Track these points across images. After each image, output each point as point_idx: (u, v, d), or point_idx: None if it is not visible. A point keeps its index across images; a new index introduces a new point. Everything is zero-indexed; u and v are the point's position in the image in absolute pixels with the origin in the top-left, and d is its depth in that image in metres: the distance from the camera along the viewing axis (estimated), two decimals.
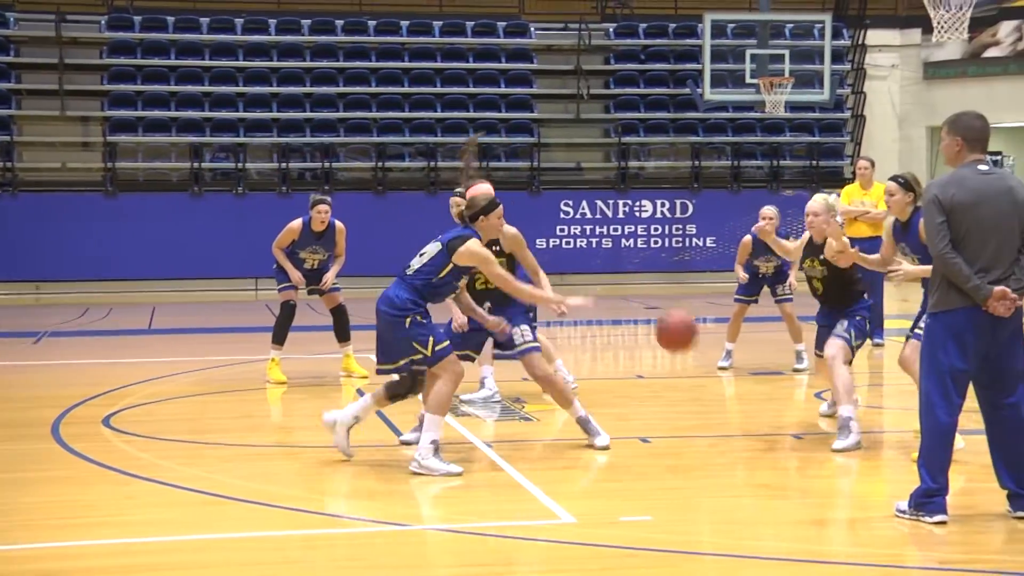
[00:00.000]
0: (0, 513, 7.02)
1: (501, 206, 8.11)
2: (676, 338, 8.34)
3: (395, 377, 8.10)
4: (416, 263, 7.98)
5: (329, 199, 11.77)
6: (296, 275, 11.49)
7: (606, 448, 8.43)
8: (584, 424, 8.57)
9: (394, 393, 8.16)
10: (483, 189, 8.55)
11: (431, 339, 7.80)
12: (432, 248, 7.98)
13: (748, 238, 12.02)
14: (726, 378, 11.93)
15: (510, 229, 8.77)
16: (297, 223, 11.59)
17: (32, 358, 13.96)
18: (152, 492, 7.47)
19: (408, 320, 7.79)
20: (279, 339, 11.56)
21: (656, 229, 24.07)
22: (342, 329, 11.76)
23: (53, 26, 23.99)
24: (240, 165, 23.27)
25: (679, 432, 9.45)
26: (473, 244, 7.89)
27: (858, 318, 8.87)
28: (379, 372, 8.06)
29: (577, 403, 8.61)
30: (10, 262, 21.84)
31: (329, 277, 11.63)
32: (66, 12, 24.28)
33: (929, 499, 6.58)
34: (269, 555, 6.28)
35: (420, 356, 7.79)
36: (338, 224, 11.66)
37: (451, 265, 7.87)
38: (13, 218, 21.93)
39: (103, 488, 7.59)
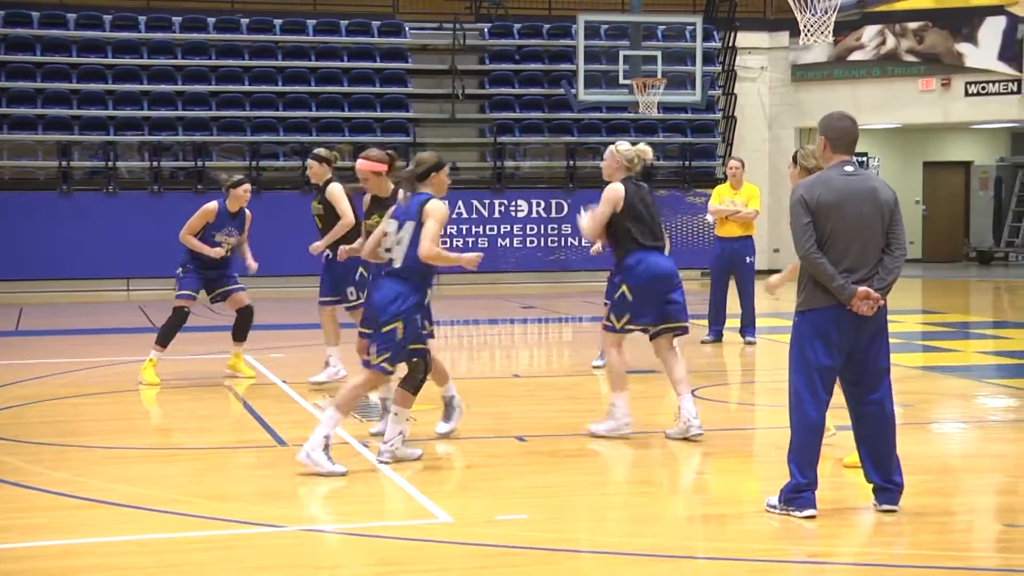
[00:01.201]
0: None
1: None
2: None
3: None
4: (398, 253, 7.96)
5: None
6: (216, 251, 11.31)
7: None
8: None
9: (415, 386, 8.12)
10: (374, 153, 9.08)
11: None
12: (405, 229, 7.97)
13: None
14: (601, 377, 12.05)
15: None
16: (213, 204, 11.44)
17: None
18: (18, 497, 7.32)
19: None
20: (163, 341, 11.40)
21: (532, 228, 24.22)
22: (243, 329, 11.63)
23: None
24: (110, 164, 22.86)
25: (555, 430, 9.51)
26: (437, 201, 8.02)
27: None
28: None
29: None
30: None
31: (251, 260, 11.64)
32: None
33: (798, 494, 6.74)
34: (141, 559, 6.19)
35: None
36: (247, 210, 11.63)
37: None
38: None
39: None
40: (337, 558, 6.28)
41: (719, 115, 26.26)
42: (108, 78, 23.99)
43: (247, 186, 11.62)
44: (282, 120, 24.20)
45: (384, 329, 7.92)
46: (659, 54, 22.31)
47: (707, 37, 24.73)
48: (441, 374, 8.79)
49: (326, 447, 7.75)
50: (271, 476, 7.91)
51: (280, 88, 24.63)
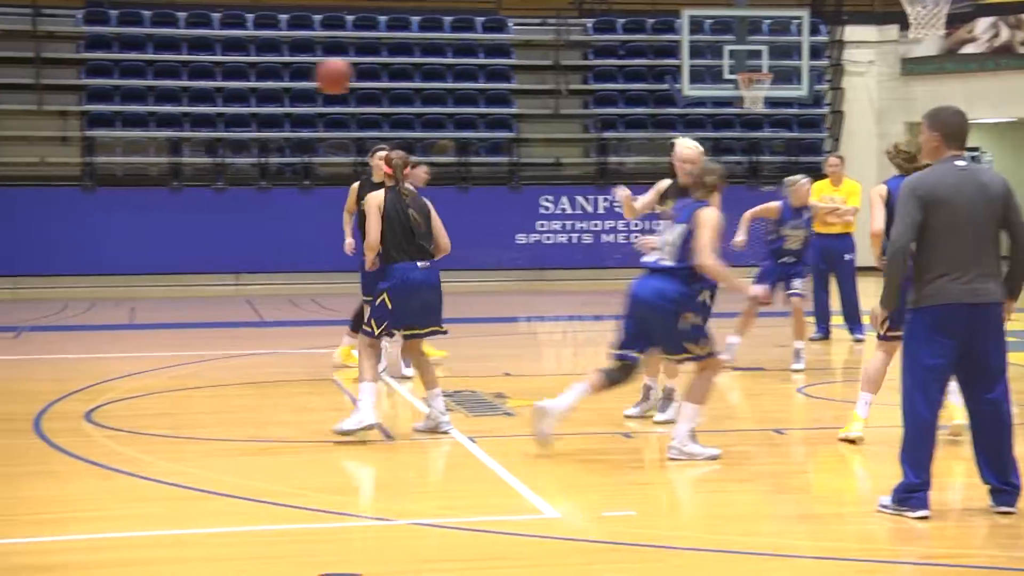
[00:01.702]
0: None
1: None
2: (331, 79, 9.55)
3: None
4: (669, 252, 8.20)
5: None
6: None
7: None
8: None
9: (613, 380, 8.29)
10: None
11: (703, 339, 8.09)
12: (676, 231, 8.19)
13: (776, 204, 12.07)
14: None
15: None
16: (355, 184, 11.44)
17: (12, 353, 13.90)
18: (133, 487, 7.45)
19: (684, 316, 8.04)
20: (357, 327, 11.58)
21: (637, 225, 24.09)
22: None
23: (29, 20, 23.87)
24: (219, 160, 23.21)
25: (663, 427, 9.45)
26: (712, 210, 8.14)
27: None
28: (622, 357, 8.25)
29: None
30: None
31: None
32: (42, 6, 24.16)
33: (911, 494, 6.62)
34: (249, 550, 6.27)
35: (693, 355, 8.07)
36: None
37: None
38: None
39: (85, 483, 7.57)
40: (442, 552, 6.30)
41: (826, 110, 25.92)
42: (217, 75, 24.36)
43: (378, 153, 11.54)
44: (387, 116, 24.37)
45: (684, 324, 8.02)
46: (765, 48, 22.09)
47: (814, 31, 24.41)
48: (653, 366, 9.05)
49: (694, 437, 7.98)
50: (378, 470, 7.98)
51: (385, 84, 24.81)
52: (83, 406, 9.94)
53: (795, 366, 11.81)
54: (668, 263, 8.18)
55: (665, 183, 9.88)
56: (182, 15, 24.96)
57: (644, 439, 8.94)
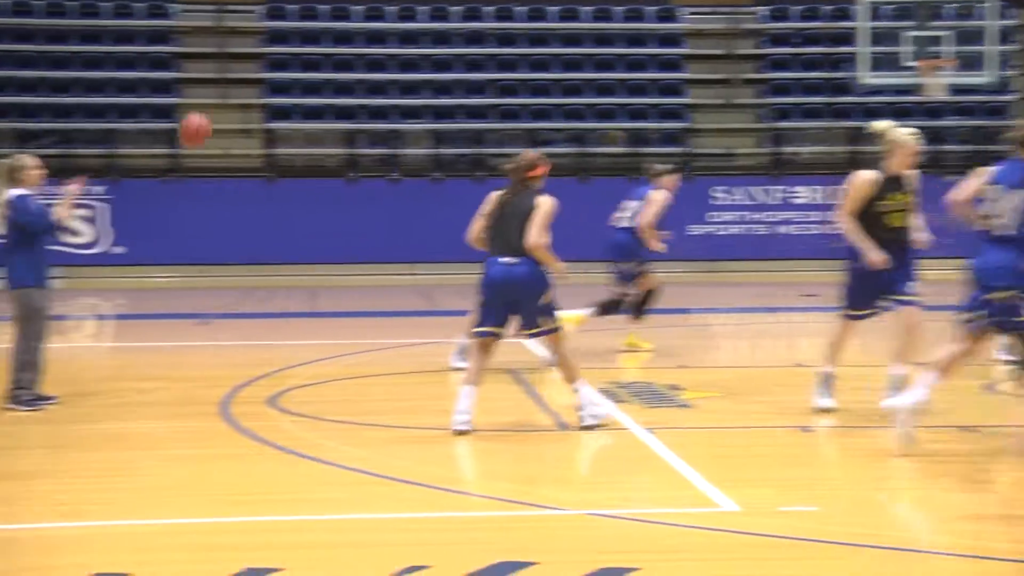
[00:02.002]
0: (175, 487, 7.25)
1: None
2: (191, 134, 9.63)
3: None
4: (1011, 219, 7.80)
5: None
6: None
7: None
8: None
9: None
10: None
11: None
12: (1016, 195, 7.84)
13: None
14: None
15: None
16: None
17: (200, 339, 14.35)
18: (317, 471, 7.62)
19: None
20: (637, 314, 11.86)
21: (811, 215, 23.71)
22: (644, 307, 11.84)
23: (213, 17, 24.59)
24: (394, 151, 23.56)
25: (842, 422, 9.30)
26: None
27: None
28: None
29: None
30: (178, 246, 22.48)
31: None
32: (226, 3, 24.86)
33: None
34: (427, 536, 6.36)
35: None
36: None
37: None
38: (180, 203, 22.54)
39: (270, 466, 7.78)
40: (619, 543, 6.29)
41: (1013, 96, 25.11)
42: (392, 68, 24.75)
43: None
44: (559, 107, 24.44)
45: (997, 296, 7.68)
46: (948, 34, 21.48)
47: (1001, 14, 23.65)
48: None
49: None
50: (553, 460, 8.01)
51: (557, 75, 24.88)
52: (268, 392, 10.21)
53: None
54: (1011, 232, 7.74)
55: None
56: (358, 9, 25.41)
57: (824, 433, 8.80)
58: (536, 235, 8.40)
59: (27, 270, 9.40)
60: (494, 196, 8.65)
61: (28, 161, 9.59)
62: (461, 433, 8.46)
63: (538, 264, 8.47)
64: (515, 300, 8.51)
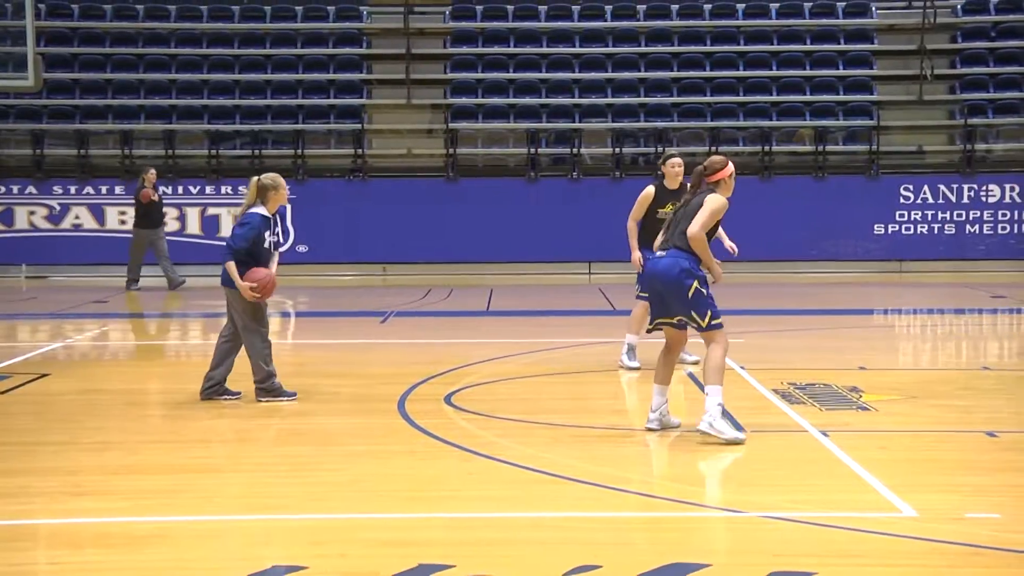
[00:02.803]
0: (353, 483, 7.40)
1: None
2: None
3: None
4: None
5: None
6: None
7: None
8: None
9: None
10: None
11: None
12: None
13: None
14: None
15: None
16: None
17: (379, 336, 14.61)
18: (491, 469, 7.69)
19: None
20: None
21: (1004, 215, 22.95)
22: None
23: (402, 18, 25.02)
24: (575, 150, 23.62)
25: None
26: None
27: None
28: None
29: None
30: (359, 245, 22.95)
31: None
32: (414, 4, 25.29)
33: None
34: (600, 535, 6.36)
35: None
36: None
37: None
38: (363, 203, 23.01)
39: (446, 463, 7.88)
40: (795, 547, 6.19)
41: None
42: (575, 67, 24.82)
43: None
44: (742, 105, 24.17)
45: None
46: None
47: None
48: None
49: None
50: (728, 461, 7.93)
51: (741, 73, 24.62)
52: (444, 389, 10.34)
53: None
54: None
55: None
56: (543, 8, 25.57)
57: (1010, 439, 8.51)
58: (698, 227, 8.30)
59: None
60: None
61: (282, 181, 9.96)
62: (650, 431, 8.54)
63: (683, 258, 8.33)
64: (660, 292, 8.43)
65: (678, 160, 11.39)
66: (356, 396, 10.33)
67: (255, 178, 9.90)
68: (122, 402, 10.17)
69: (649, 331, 8.79)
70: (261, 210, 9.82)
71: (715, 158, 8.70)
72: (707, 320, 8.30)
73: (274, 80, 24.81)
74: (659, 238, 8.64)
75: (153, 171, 20.09)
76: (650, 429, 8.56)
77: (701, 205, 8.39)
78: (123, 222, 22.48)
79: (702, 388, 8.53)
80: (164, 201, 20.69)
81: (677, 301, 8.33)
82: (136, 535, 6.33)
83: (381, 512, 6.77)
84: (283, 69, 24.98)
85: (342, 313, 17.27)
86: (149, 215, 19.78)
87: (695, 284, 8.27)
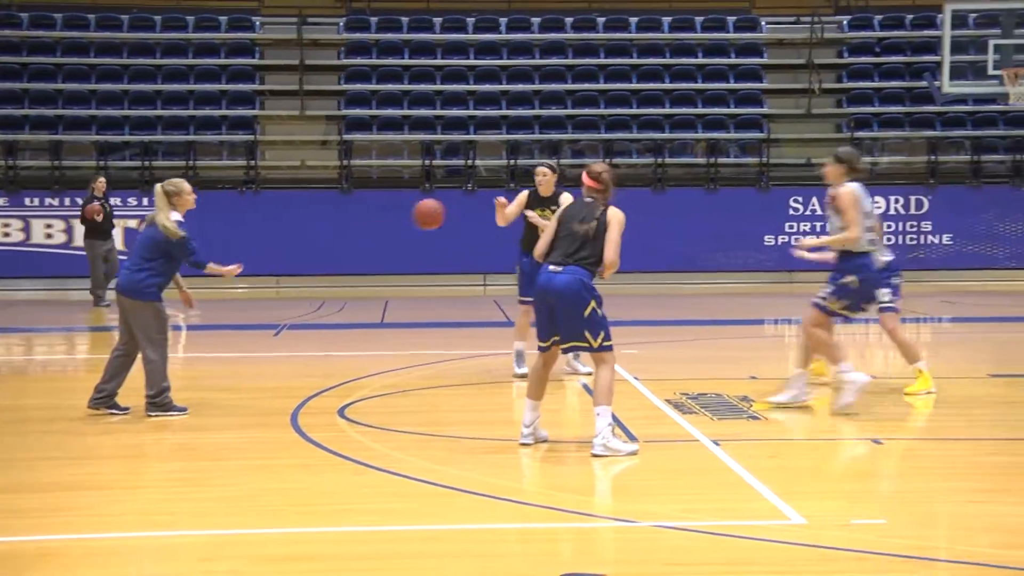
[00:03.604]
0: (246, 498, 7.32)
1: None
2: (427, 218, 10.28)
3: None
4: None
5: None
6: None
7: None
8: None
9: None
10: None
11: None
12: None
13: None
14: (963, 379, 11.53)
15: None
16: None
17: (272, 350, 14.48)
18: (384, 482, 7.66)
19: None
20: None
21: (890, 226, 23.43)
22: None
23: (295, 29, 24.86)
24: (470, 162, 23.65)
25: (914, 434, 9.19)
26: None
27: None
28: None
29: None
30: (252, 257, 22.67)
31: None
32: (307, 15, 25.14)
33: None
34: (496, 547, 6.37)
35: None
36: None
37: None
38: (256, 215, 22.80)
39: (338, 477, 7.82)
40: (685, 555, 6.26)
41: None
42: (470, 79, 24.85)
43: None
44: (636, 117, 24.39)
45: None
46: None
47: None
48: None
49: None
50: (621, 471, 7.98)
51: (634, 85, 24.84)
52: (337, 402, 10.28)
53: None
54: None
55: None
56: (438, 20, 25.58)
57: (895, 446, 8.68)
58: (615, 254, 8.30)
59: (159, 287, 9.81)
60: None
61: (186, 186, 9.93)
62: (524, 446, 8.51)
63: (582, 275, 8.30)
64: (552, 307, 8.36)
65: (542, 168, 11.48)
66: (249, 410, 10.22)
67: (158, 186, 9.86)
68: (5, 419, 9.95)
69: (542, 348, 8.65)
70: (178, 216, 9.81)
71: (604, 166, 8.70)
72: (599, 341, 8.31)
73: (164, 90, 24.49)
74: (547, 249, 8.55)
75: (102, 179, 19.37)
76: (524, 444, 8.54)
77: (604, 224, 8.35)
78: (7, 234, 22.05)
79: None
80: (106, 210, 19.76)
81: (571, 318, 8.30)
82: (21, 554, 6.20)
83: (274, 527, 6.70)
84: (174, 79, 24.67)
85: (235, 326, 17.09)
86: (99, 226, 19.02)
87: (592, 303, 8.30)
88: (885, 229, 23.23)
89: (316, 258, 22.75)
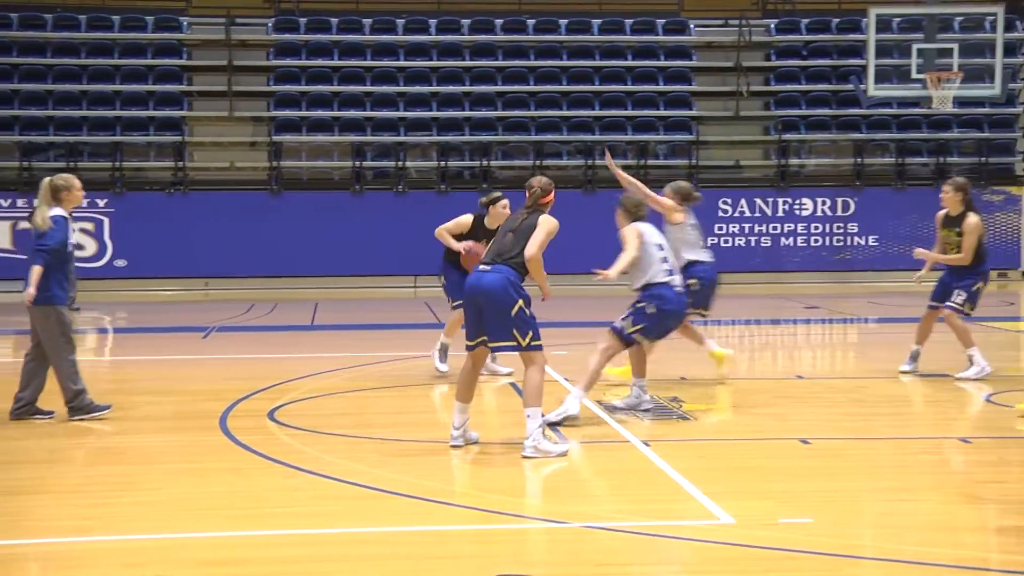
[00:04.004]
0: (172, 502, 7.24)
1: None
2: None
3: None
4: None
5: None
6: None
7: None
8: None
9: None
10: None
11: None
12: None
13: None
14: (888, 379, 11.68)
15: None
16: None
17: (201, 352, 14.36)
18: (314, 485, 7.62)
19: None
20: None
21: (816, 228, 23.72)
22: None
23: (223, 29, 24.65)
24: (400, 164, 23.60)
25: (840, 434, 9.29)
26: None
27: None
28: None
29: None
30: (181, 259, 22.51)
31: None
32: (236, 15, 24.94)
33: None
34: (426, 549, 6.36)
35: None
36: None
37: None
38: (184, 216, 22.59)
39: (268, 480, 7.77)
40: (615, 555, 6.28)
41: (1020, 109, 25.08)
42: (400, 80, 24.79)
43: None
44: (566, 119, 24.46)
45: None
46: (955, 46, 21.46)
47: (1008, 27, 23.64)
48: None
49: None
50: (551, 472, 7.99)
51: (564, 88, 24.90)
52: (267, 405, 10.21)
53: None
54: None
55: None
56: (367, 21, 25.48)
57: (822, 446, 8.77)
58: (536, 248, 8.37)
59: (60, 288, 9.56)
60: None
61: (76, 182, 9.70)
62: (455, 447, 8.52)
63: (510, 274, 8.34)
64: (480, 307, 8.37)
65: (505, 202, 11.49)
66: (176, 413, 10.13)
67: (46, 180, 9.64)
68: None
69: (470, 348, 8.65)
70: (60, 211, 9.58)
71: (546, 179, 8.77)
72: (528, 340, 8.32)
73: (90, 91, 24.19)
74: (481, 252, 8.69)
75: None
76: (455, 446, 8.54)
77: (534, 226, 8.44)
78: None
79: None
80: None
81: (499, 317, 8.31)
82: None
83: (202, 531, 6.64)
84: (99, 80, 24.38)
85: (162, 329, 16.93)
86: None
87: (520, 303, 8.31)
88: (813, 231, 23.65)
89: (246, 260, 22.59)
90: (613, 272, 9.44)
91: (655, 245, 9.69)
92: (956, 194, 11.47)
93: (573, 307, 18.55)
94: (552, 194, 8.70)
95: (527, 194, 8.69)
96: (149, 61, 24.74)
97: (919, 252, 11.57)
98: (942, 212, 11.63)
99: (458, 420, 8.55)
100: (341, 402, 10.69)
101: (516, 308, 8.28)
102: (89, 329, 17.52)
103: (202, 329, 16.41)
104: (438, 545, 6.45)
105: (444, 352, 11.64)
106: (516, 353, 8.41)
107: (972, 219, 11.35)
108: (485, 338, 8.40)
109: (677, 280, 9.71)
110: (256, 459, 8.29)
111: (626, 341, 9.60)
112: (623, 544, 6.44)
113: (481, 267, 8.45)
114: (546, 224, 8.46)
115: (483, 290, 8.33)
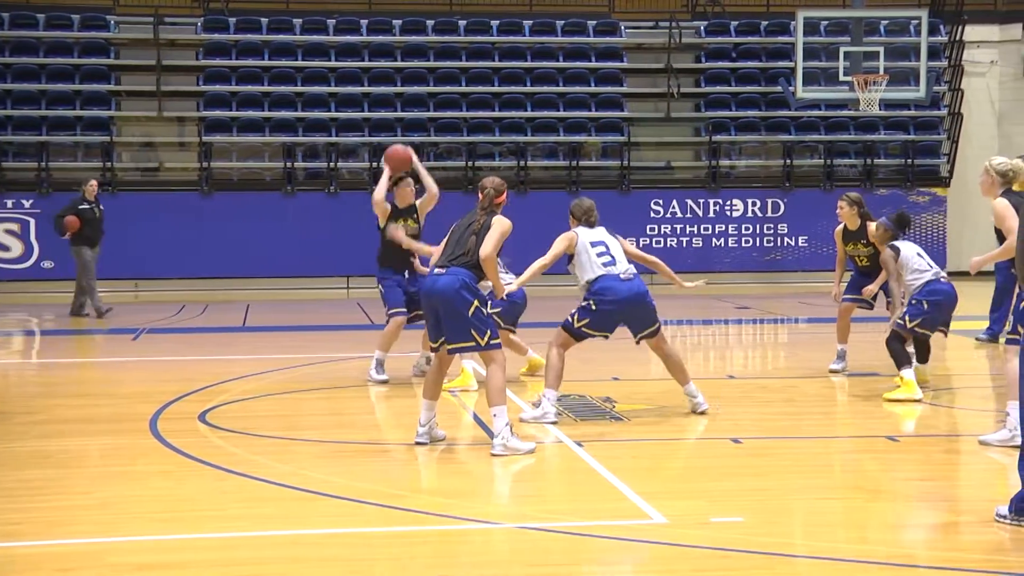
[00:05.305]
0: (102, 506, 7.17)
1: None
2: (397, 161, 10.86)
3: None
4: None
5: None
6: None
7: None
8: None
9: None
10: None
11: None
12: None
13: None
14: (818, 379, 11.82)
15: None
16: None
17: (131, 354, 14.22)
18: (247, 487, 7.58)
19: None
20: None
21: (747, 228, 23.92)
22: None
23: (151, 28, 24.41)
24: (332, 165, 23.50)
25: (771, 433, 9.38)
26: None
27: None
28: None
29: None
30: (110, 260, 22.21)
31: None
32: (164, 14, 24.69)
33: None
34: (359, 551, 6.35)
35: None
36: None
37: None
38: (112, 217, 22.30)
39: (200, 483, 7.71)
40: (549, 556, 6.30)
41: (944, 112, 25.46)
42: (331, 81, 24.68)
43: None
44: (498, 120, 24.48)
45: None
46: (881, 49, 21.76)
47: (933, 31, 24.02)
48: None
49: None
50: (485, 474, 8.00)
51: (496, 88, 24.92)
52: (198, 407, 10.13)
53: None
54: None
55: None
56: (298, 22, 25.34)
57: (753, 445, 8.86)
58: (491, 248, 8.45)
59: None
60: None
61: None
62: (419, 444, 8.58)
63: (464, 275, 8.42)
64: (436, 309, 8.48)
65: (409, 180, 11.87)
66: (106, 416, 10.02)
67: None
68: None
69: (434, 350, 8.69)
70: None
71: (499, 180, 8.86)
72: (487, 339, 8.38)
73: (15, 90, 23.85)
74: (439, 256, 8.66)
75: (94, 182, 18.55)
76: (419, 443, 8.56)
77: (488, 228, 8.51)
78: None
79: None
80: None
81: (455, 318, 8.36)
82: None
83: (133, 535, 6.57)
84: (24, 79, 24.04)
85: (91, 331, 16.74)
86: (84, 232, 18.14)
87: (475, 303, 8.36)
88: (744, 232, 23.81)
89: (176, 261, 22.39)
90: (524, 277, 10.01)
91: (590, 243, 9.85)
92: (852, 208, 11.70)
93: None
94: (505, 194, 8.84)
95: (480, 195, 8.78)
96: (76, 60, 24.42)
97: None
98: (840, 227, 11.84)
99: (424, 417, 8.59)
100: (273, 404, 10.63)
101: (472, 309, 8.34)
102: (16, 331, 17.29)
103: (132, 331, 16.24)
104: (369, 547, 6.43)
105: (380, 365, 11.50)
106: (476, 353, 8.48)
107: (871, 226, 11.53)
108: (440, 340, 8.44)
109: (618, 270, 9.96)
110: (187, 462, 8.23)
111: (576, 336, 9.69)
112: (556, 544, 6.47)
113: (436, 270, 8.54)
114: (500, 225, 8.58)
115: (438, 293, 8.42)
